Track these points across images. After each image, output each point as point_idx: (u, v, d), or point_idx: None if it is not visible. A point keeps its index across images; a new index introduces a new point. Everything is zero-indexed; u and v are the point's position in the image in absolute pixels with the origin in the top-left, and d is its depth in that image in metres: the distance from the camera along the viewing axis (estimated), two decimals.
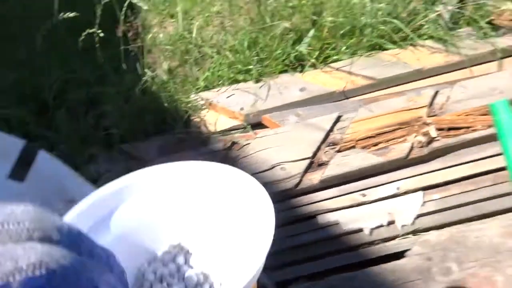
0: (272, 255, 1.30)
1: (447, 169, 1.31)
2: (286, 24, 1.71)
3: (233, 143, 1.49)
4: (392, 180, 1.32)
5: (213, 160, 1.49)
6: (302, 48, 1.76)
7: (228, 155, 1.46)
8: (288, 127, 1.53)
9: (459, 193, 1.25)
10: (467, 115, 1.51)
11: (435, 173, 1.31)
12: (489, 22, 1.77)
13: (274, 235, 0.50)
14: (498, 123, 0.76)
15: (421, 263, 1.01)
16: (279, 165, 1.41)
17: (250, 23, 1.87)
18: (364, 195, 1.29)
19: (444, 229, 1.14)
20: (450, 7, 1.75)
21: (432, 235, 1.10)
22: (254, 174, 1.41)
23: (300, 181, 1.39)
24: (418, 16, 1.74)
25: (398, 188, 1.28)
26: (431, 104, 1.57)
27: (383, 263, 1.04)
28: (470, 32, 1.76)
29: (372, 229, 1.26)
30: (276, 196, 1.37)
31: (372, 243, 1.27)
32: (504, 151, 0.74)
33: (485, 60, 1.70)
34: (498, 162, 1.28)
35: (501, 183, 1.25)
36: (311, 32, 1.75)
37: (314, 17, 1.79)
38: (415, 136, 1.46)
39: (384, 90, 1.70)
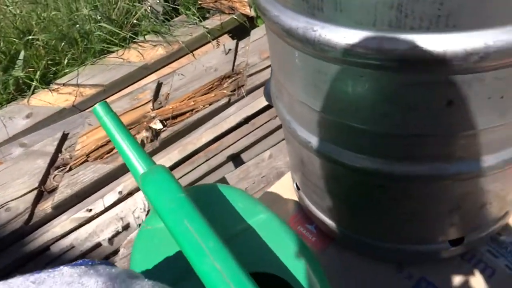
0: None
1: (167, 157, 1.37)
2: None
3: None
4: (116, 186, 1.32)
5: None
6: (18, 72, 1.64)
7: None
8: (9, 162, 1.42)
9: (180, 178, 1.32)
10: (189, 99, 1.60)
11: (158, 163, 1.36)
12: (199, 7, 1.89)
13: None
14: (104, 125, 0.79)
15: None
16: (3, 206, 1.31)
17: None
18: (90, 210, 1.27)
19: None
20: (158, 1, 1.81)
21: (136, 233, 1.14)
22: None
23: (31, 215, 1.31)
24: (130, 15, 1.77)
25: (120, 192, 1.29)
26: (156, 97, 1.62)
27: None
28: (184, 19, 1.86)
29: (110, 239, 1.26)
30: (5, 241, 1.27)
31: (116, 251, 1.27)
32: (118, 149, 0.78)
33: (202, 42, 1.82)
34: (205, 139, 1.39)
35: (213, 156, 1.35)
36: (21, 54, 1.65)
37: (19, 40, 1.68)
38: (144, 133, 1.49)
39: (115, 94, 1.70)
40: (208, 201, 0.65)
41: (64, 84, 1.69)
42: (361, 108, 0.56)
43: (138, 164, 0.77)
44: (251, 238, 0.61)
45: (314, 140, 0.70)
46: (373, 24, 0.46)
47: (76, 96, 1.66)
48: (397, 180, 0.64)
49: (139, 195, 1.30)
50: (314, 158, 0.73)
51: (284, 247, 0.61)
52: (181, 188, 0.56)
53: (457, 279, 0.84)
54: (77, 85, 1.68)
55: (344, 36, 0.49)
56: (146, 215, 1.28)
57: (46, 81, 1.71)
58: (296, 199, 1.01)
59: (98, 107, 0.79)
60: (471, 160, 0.60)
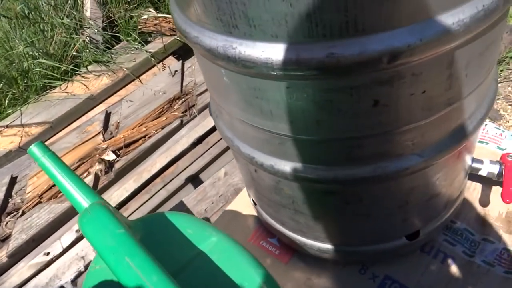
0: None
1: (123, 188, 1.33)
2: None
3: None
4: (73, 224, 1.27)
5: None
6: None
7: None
8: None
9: (139, 207, 1.28)
10: (140, 125, 1.57)
11: (114, 195, 1.32)
12: (140, 32, 1.87)
13: None
14: (43, 166, 0.76)
15: None
16: None
17: None
18: (48, 254, 1.21)
19: None
20: (97, 30, 1.78)
21: None
22: None
23: None
24: (68, 48, 1.72)
25: (78, 231, 1.24)
26: (106, 127, 1.58)
27: None
28: (125, 46, 1.83)
29: (73, 280, 1.21)
30: None
31: None
32: (61, 189, 0.75)
33: (147, 67, 1.80)
34: (159, 164, 1.36)
35: (170, 181, 1.32)
36: None
37: None
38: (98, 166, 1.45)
39: (63, 130, 1.64)
40: (157, 232, 0.63)
41: (7, 126, 1.62)
42: (294, 118, 0.56)
43: (83, 201, 0.74)
44: (204, 263, 0.59)
45: (257, 155, 0.69)
46: (288, 36, 0.46)
47: (22, 137, 1.59)
48: (343, 184, 0.64)
49: None
50: (261, 172, 0.73)
51: (238, 268, 0.59)
52: (120, 224, 0.54)
53: (420, 272, 0.85)
54: (22, 125, 1.62)
55: (262, 50, 0.49)
56: None
57: None
58: (256, 214, 1.00)
59: (33, 148, 0.76)
60: (408, 155, 0.61)
